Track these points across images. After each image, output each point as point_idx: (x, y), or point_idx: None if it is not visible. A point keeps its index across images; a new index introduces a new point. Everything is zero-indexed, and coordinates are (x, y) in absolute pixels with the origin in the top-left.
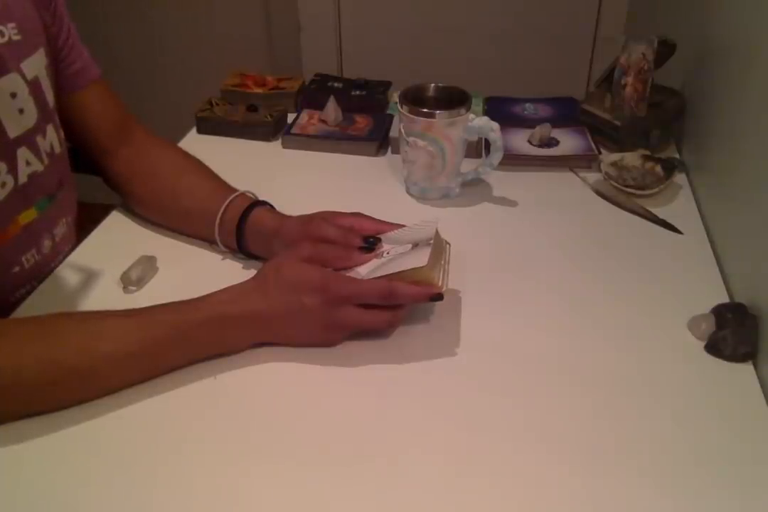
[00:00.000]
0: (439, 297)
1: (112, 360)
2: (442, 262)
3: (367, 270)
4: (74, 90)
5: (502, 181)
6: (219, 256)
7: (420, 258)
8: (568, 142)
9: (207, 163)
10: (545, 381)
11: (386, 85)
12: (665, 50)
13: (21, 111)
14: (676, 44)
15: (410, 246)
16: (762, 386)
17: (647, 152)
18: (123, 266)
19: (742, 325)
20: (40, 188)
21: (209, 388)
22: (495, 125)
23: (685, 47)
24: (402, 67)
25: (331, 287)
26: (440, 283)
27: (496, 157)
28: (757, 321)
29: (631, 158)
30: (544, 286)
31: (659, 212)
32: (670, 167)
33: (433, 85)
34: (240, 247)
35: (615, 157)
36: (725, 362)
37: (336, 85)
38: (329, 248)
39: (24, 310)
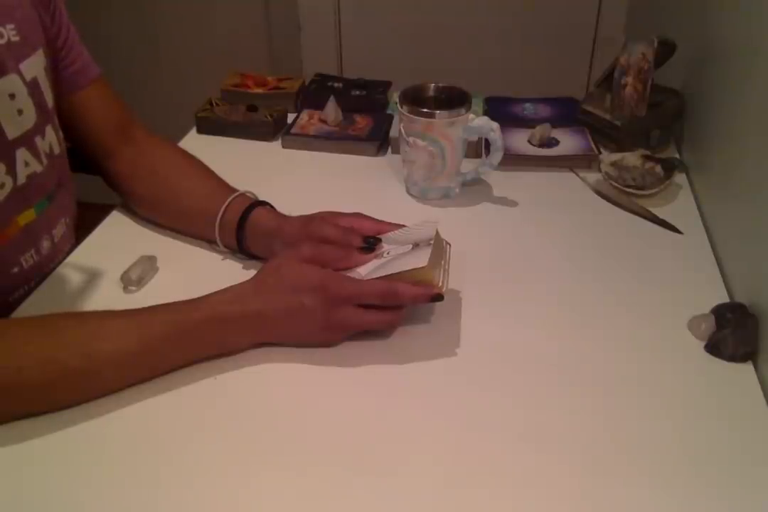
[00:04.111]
0: (439, 297)
1: (113, 360)
2: (443, 263)
3: (367, 270)
4: (74, 90)
5: (502, 181)
6: (219, 256)
7: (420, 259)
8: (568, 142)
9: (207, 163)
10: (545, 381)
11: (386, 85)
12: (665, 50)
13: (20, 112)
14: (676, 44)
15: (410, 246)
16: (762, 386)
17: (647, 152)
18: (123, 266)
19: (742, 325)
20: (39, 189)
21: (209, 388)
22: (495, 125)
23: (685, 47)
24: (402, 67)
25: (331, 287)
26: (440, 284)
27: (496, 157)
28: (757, 321)
29: (631, 158)
30: (543, 286)
31: (659, 212)
32: (670, 167)
33: (433, 85)
34: (240, 247)
35: (615, 157)
36: (725, 362)
37: (336, 85)
38: (329, 248)
39: (24, 310)
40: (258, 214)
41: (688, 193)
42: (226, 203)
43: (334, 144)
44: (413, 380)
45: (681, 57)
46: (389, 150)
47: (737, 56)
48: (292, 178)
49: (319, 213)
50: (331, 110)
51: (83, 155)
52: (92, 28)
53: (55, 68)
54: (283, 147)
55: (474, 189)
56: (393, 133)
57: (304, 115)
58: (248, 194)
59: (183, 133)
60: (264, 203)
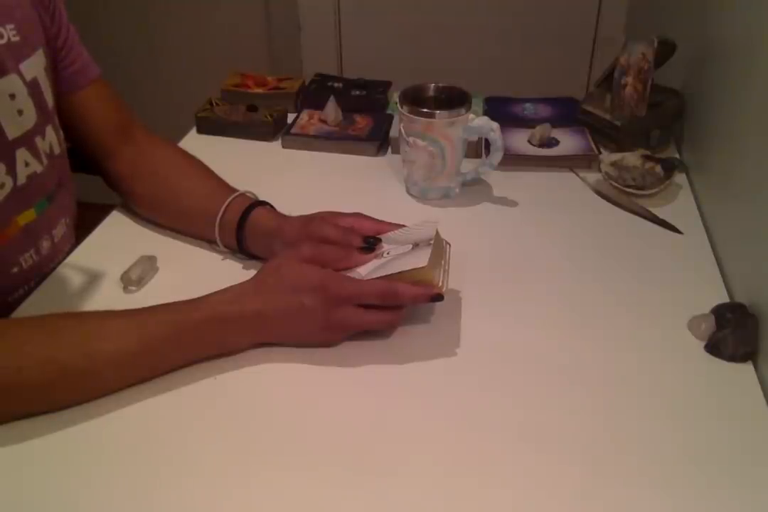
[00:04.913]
0: (439, 297)
1: (112, 360)
2: (443, 263)
3: (367, 270)
4: (74, 90)
5: (502, 181)
6: (219, 256)
7: (420, 259)
8: (568, 142)
9: (207, 163)
10: (545, 381)
11: (386, 85)
12: (665, 50)
13: (20, 112)
14: (676, 44)
15: (410, 246)
16: (762, 386)
17: (647, 152)
18: (123, 266)
19: (742, 325)
20: (39, 189)
21: (209, 388)
22: (495, 125)
23: (685, 47)
24: (402, 67)
25: (331, 287)
26: (440, 284)
27: (496, 157)
28: (757, 321)
29: (631, 158)
30: (543, 286)
31: (659, 212)
32: (670, 167)
33: (433, 85)
34: (240, 247)
35: (615, 157)
36: (725, 362)
37: (336, 85)
38: (329, 248)
39: (24, 310)
40: (258, 214)
41: (688, 193)
42: (226, 203)
43: (334, 144)
44: (413, 380)
45: (681, 57)
46: (389, 150)
47: (737, 56)
48: (292, 178)
49: (319, 213)
50: (331, 110)
51: (83, 155)
52: (92, 28)
53: (55, 68)
54: (283, 147)
55: (474, 189)
56: (393, 133)
57: (304, 115)
58: (248, 194)
59: (183, 133)
60: (264, 203)
